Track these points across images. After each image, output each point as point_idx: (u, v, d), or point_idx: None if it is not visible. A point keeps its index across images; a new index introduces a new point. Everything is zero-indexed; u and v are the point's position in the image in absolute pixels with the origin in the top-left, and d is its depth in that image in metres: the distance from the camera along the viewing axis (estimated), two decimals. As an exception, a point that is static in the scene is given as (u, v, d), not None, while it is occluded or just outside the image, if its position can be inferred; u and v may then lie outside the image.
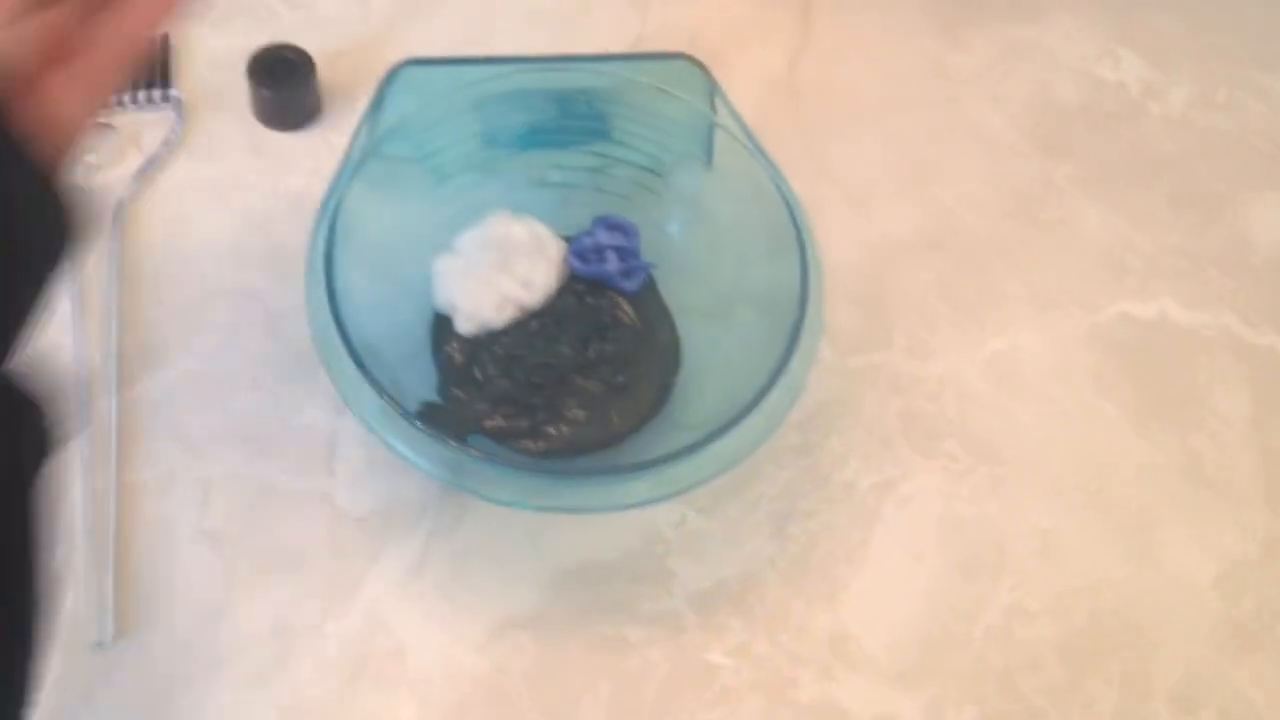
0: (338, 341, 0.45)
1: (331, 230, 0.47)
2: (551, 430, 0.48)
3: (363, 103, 0.52)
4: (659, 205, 0.53)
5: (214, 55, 0.58)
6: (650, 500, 0.44)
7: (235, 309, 0.52)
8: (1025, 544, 0.51)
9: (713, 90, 0.52)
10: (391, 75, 0.52)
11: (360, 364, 0.45)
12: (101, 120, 0.56)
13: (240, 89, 0.56)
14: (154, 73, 0.57)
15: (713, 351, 0.51)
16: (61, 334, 0.51)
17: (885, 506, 0.51)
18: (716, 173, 0.52)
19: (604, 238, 0.51)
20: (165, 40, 0.57)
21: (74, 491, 0.48)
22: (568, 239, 0.51)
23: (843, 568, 0.50)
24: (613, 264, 0.50)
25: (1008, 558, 0.50)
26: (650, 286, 0.52)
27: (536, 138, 0.51)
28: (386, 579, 0.48)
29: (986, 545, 0.51)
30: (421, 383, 0.49)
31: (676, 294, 0.52)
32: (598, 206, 0.52)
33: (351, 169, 0.48)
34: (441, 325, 0.50)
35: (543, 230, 0.51)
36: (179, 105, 0.56)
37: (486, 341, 0.49)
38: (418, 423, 0.45)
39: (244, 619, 0.46)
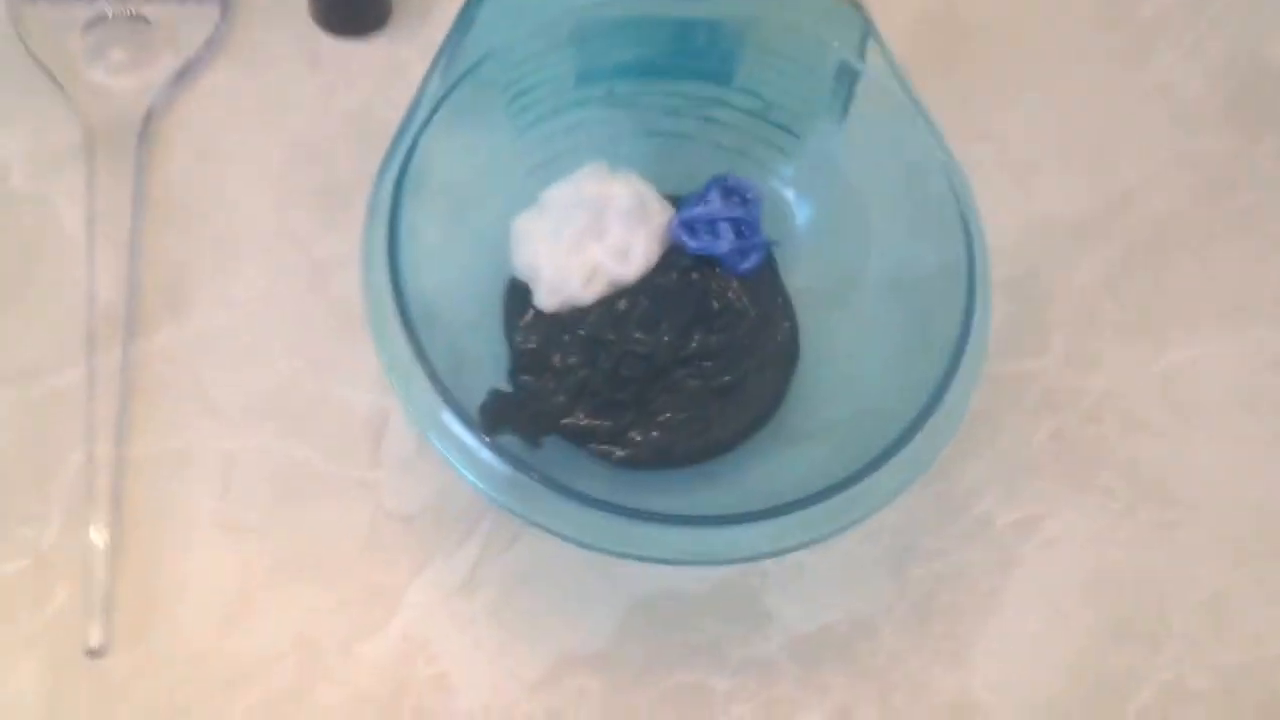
0: (391, 304, 0.37)
1: (403, 171, 0.38)
2: (638, 435, 0.40)
3: (439, 7, 0.43)
4: (783, 165, 0.44)
5: (270, -60, 0.49)
6: (760, 555, 0.36)
7: (276, 253, 0.44)
8: (1192, 606, 0.42)
9: (866, 32, 0.42)
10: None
11: (413, 332, 0.36)
12: (134, 11, 0.47)
13: (298, -16, 0.48)
14: (199, -43, 0.48)
15: (837, 347, 0.42)
16: (73, 265, 0.43)
17: (1027, 548, 0.43)
18: (856, 129, 0.43)
19: (719, 206, 0.42)
20: (214, -81, 0.48)
21: (70, 461, 0.40)
22: (674, 199, 0.43)
23: (971, 620, 0.42)
24: (727, 240, 0.42)
25: (1170, 622, 0.42)
26: (767, 265, 0.43)
27: (645, 77, 0.42)
28: (432, 594, 0.40)
29: (1145, 604, 0.42)
30: (489, 364, 0.41)
31: (796, 275, 0.43)
32: (711, 163, 0.43)
33: (431, 102, 0.39)
34: (517, 295, 0.42)
35: (646, 190, 0.42)
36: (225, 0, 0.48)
37: (569, 321, 0.41)
38: (476, 416, 0.37)
39: (263, 630, 0.39)
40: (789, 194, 0.44)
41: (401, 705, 0.39)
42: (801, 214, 0.44)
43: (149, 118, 0.45)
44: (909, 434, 0.36)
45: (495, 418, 0.38)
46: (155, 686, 0.38)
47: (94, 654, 0.38)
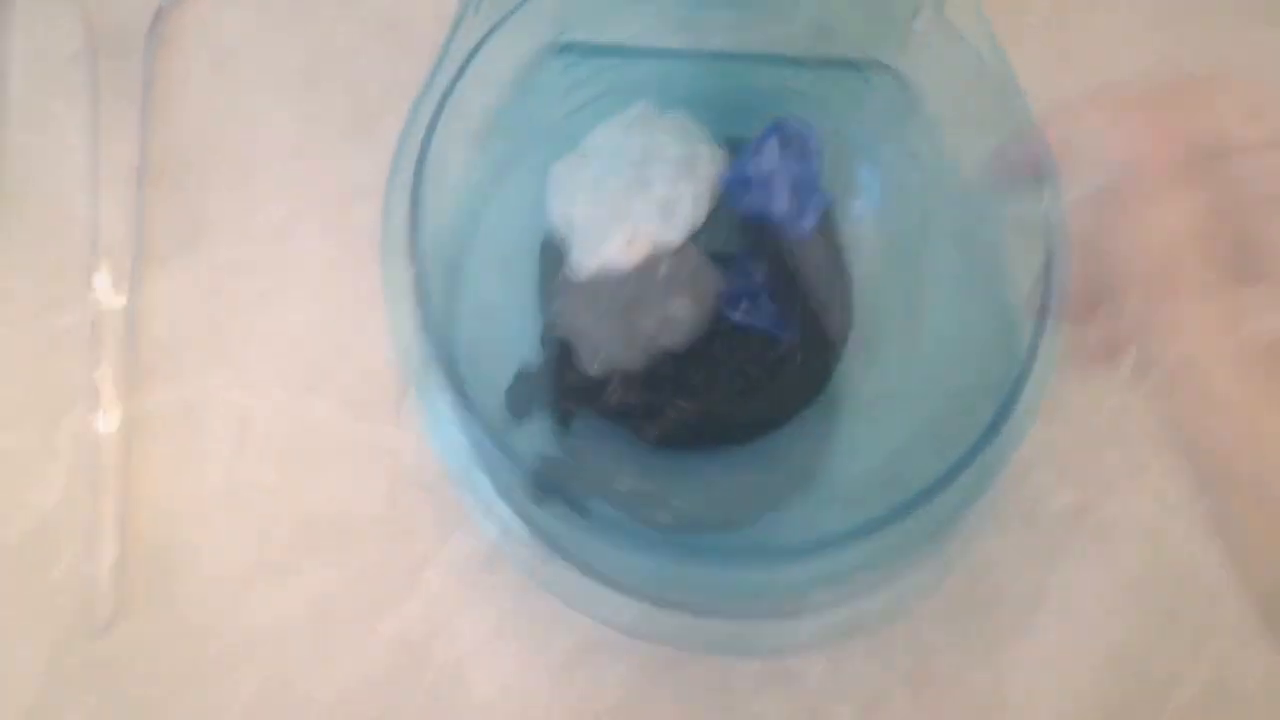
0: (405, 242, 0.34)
1: (437, 113, 0.35)
2: (675, 414, 0.37)
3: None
4: (847, 106, 0.40)
5: None
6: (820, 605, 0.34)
7: (301, 177, 0.41)
8: (1241, 604, 0.40)
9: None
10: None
11: (421, 273, 0.33)
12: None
13: None
14: None
15: (897, 309, 0.39)
16: (76, 187, 0.40)
17: (1078, 538, 0.40)
18: (926, 69, 0.39)
19: (775, 161, 0.38)
20: None
21: (71, 415, 0.38)
22: (731, 143, 0.39)
23: (1012, 613, 0.40)
24: (783, 198, 0.38)
25: (1219, 619, 0.40)
26: (825, 222, 0.39)
27: (702, 10, 0.38)
28: (454, 568, 0.39)
29: (1193, 600, 0.40)
30: (519, 323, 0.38)
31: (856, 226, 0.40)
32: (770, 102, 0.39)
33: (476, 32, 0.35)
34: (553, 250, 0.38)
35: (696, 135, 0.38)
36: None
37: (606, 286, 0.37)
38: (503, 399, 0.35)
39: (275, 603, 0.38)
40: (851, 138, 0.40)
41: (418, 686, 0.37)
42: (863, 161, 0.40)
43: (159, 17, 0.41)
44: (988, 436, 0.33)
45: (522, 402, 0.35)
46: (162, 659, 0.37)
47: (101, 625, 0.37)
